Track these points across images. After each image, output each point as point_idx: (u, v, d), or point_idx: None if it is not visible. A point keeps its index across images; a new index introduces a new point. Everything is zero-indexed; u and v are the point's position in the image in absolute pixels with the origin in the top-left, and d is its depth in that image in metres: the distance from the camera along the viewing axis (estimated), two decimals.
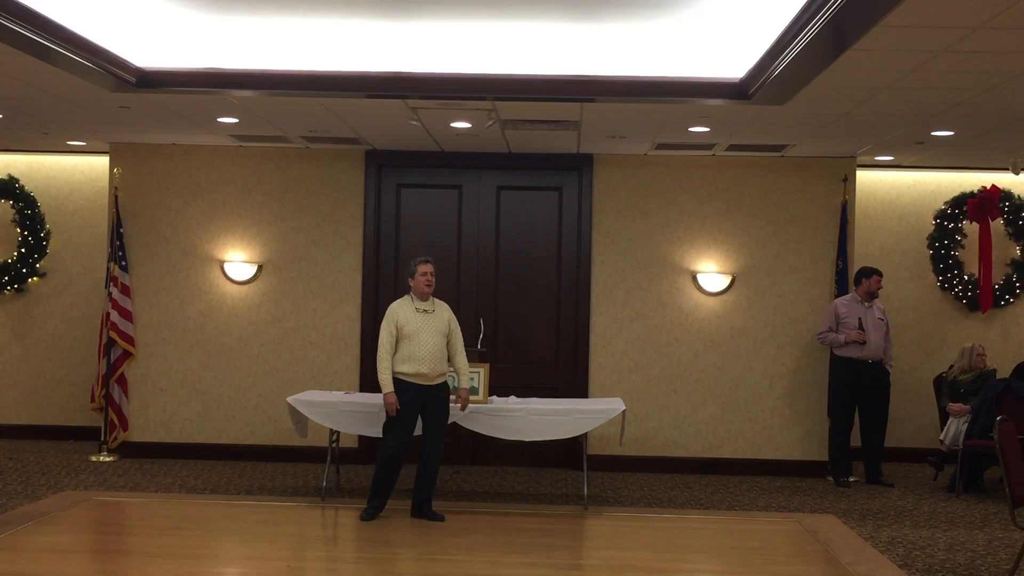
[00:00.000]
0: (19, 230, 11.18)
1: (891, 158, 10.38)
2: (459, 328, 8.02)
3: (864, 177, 10.67)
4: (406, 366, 7.68)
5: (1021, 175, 10.04)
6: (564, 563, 6.96)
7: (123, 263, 10.22)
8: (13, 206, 11.17)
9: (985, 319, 10.90)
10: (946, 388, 9.90)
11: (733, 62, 7.31)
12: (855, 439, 9.82)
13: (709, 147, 9.80)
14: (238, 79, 7.68)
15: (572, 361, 10.32)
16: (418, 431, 7.90)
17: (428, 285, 7.84)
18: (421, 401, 7.74)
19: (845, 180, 10.17)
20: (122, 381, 10.27)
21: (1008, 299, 10.88)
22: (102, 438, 10.24)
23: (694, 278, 10.27)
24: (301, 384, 10.12)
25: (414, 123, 8.85)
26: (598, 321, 10.29)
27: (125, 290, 10.21)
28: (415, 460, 7.94)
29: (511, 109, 8.29)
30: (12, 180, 11.14)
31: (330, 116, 8.70)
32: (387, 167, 10.43)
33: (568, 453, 9.83)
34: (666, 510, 8.54)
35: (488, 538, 7.40)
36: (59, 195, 11.32)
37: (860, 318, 9.62)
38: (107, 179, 10.64)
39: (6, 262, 11.15)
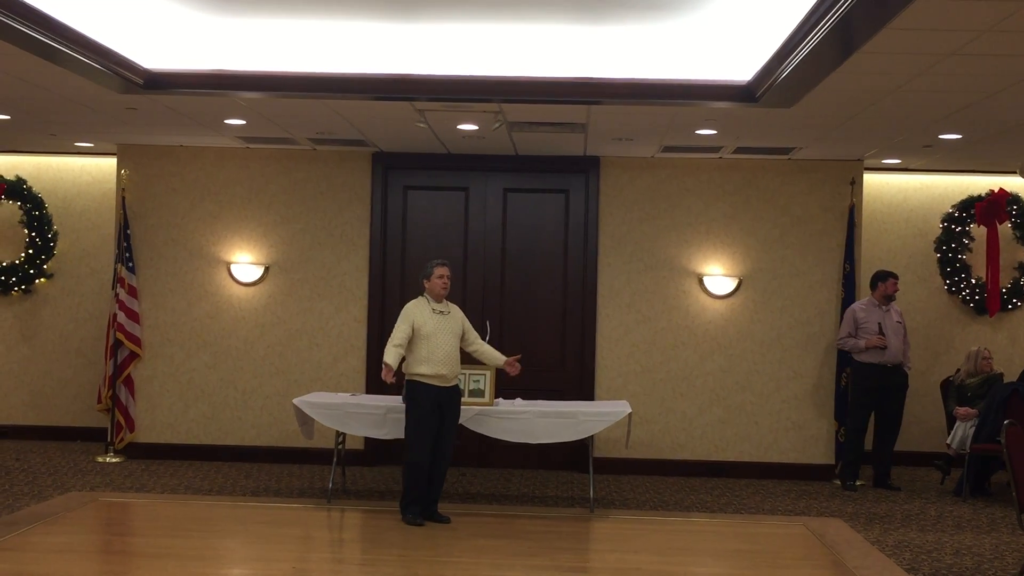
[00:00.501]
0: (27, 231, 11.20)
1: (898, 161, 10.36)
2: (469, 323, 8.07)
3: (871, 180, 10.65)
4: (425, 367, 7.68)
5: None
6: (570, 566, 6.95)
7: (130, 264, 10.24)
8: (21, 207, 11.19)
9: (992, 323, 10.87)
10: (953, 392, 9.88)
11: (740, 64, 7.30)
12: (867, 442, 9.79)
13: (716, 150, 9.79)
14: (245, 81, 7.69)
15: (578, 363, 10.32)
16: None
17: (444, 287, 7.86)
18: (440, 403, 7.75)
19: (852, 183, 10.15)
20: (129, 382, 10.29)
21: (1015, 303, 10.85)
22: (108, 439, 10.26)
23: (700, 281, 10.26)
24: (307, 386, 10.12)
25: (421, 125, 8.85)
26: (604, 324, 10.28)
27: (132, 291, 10.23)
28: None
29: (518, 111, 8.29)
30: (20, 181, 11.16)
31: (337, 118, 8.71)
32: (394, 169, 10.44)
33: (574, 456, 9.81)
34: (672, 513, 8.53)
35: (494, 540, 7.39)
36: (66, 196, 11.34)
37: (880, 323, 9.59)
38: (114, 180, 10.65)
39: (13, 263, 11.17)
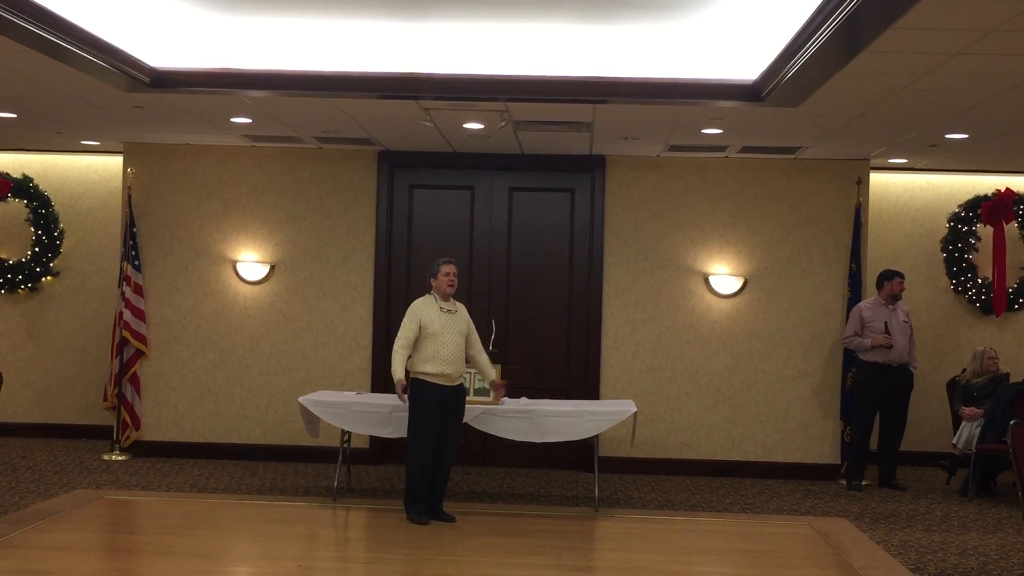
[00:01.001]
0: (33, 229, 11.22)
1: (905, 161, 10.35)
2: (474, 327, 8.06)
3: (877, 180, 10.64)
4: (430, 366, 7.68)
5: None
6: (575, 565, 6.95)
7: (136, 263, 10.26)
8: (27, 205, 11.21)
9: (999, 323, 10.85)
10: (959, 392, 9.86)
11: (746, 64, 7.29)
12: (872, 442, 9.79)
13: (722, 149, 9.78)
14: (251, 79, 7.70)
15: (584, 363, 10.32)
16: None
17: (451, 285, 7.86)
18: (444, 402, 7.75)
19: (859, 182, 10.14)
20: (135, 380, 10.30)
21: (1022, 302, 10.82)
22: (114, 437, 10.28)
23: (706, 280, 10.25)
24: (313, 384, 10.14)
25: (427, 124, 8.85)
26: (610, 323, 10.28)
27: (138, 289, 10.24)
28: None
29: (524, 110, 8.28)
30: (26, 179, 11.18)
31: (343, 117, 8.71)
32: (399, 168, 10.44)
33: (579, 455, 9.82)
34: (677, 513, 8.52)
35: (499, 539, 7.40)
36: (73, 195, 11.36)
37: (886, 322, 9.57)
38: (121, 179, 10.67)
39: (20, 261, 11.19)
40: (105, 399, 10.45)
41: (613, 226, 10.31)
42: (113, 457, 10.11)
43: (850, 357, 9.91)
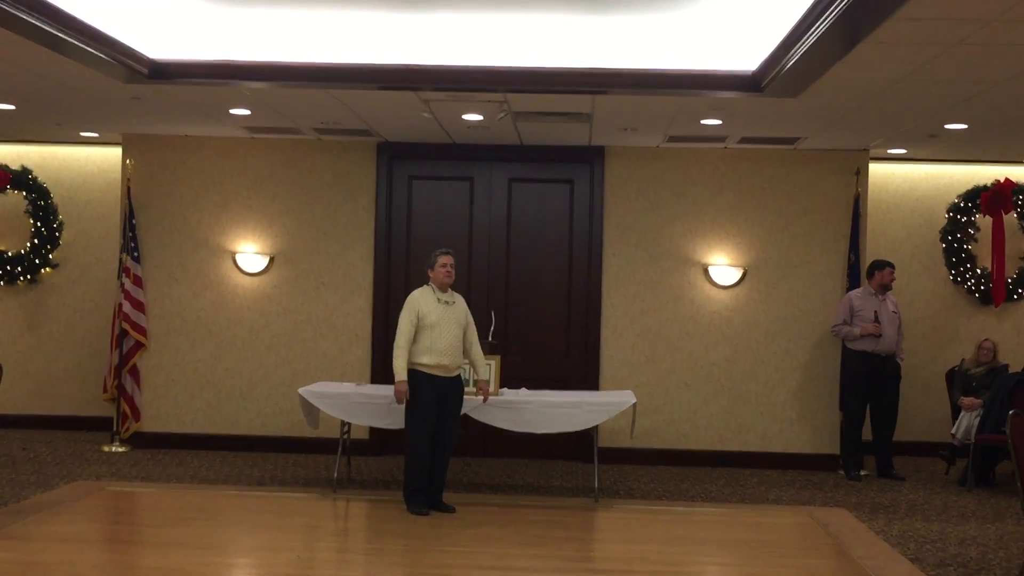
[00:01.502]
0: (32, 221, 11.22)
1: (904, 151, 10.34)
2: (473, 320, 8.05)
3: (877, 170, 10.63)
4: (427, 357, 7.68)
5: None
6: (575, 555, 6.96)
7: (135, 254, 10.25)
8: (26, 197, 11.20)
9: (998, 313, 10.86)
10: (959, 381, 9.87)
11: (746, 54, 7.29)
12: (866, 433, 9.80)
13: (721, 139, 9.77)
14: (250, 71, 7.69)
15: (583, 354, 10.32)
16: None
17: (448, 276, 7.84)
18: (442, 393, 7.75)
19: (858, 173, 10.14)
20: (134, 372, 10.31)
21: (1021, 292, 10.83)
22: (114, 428, 10.28)
23: (706, 271, 10.26)
24: (312, 375, 10.14)
25: (426, 115, 8.85)
26: (609, 314, 10.29)
27: (137, 281, 10.24)
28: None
29: (523, 101, 8.28)
30: (25, 171, 11.17)
31: (342, 108, 8.70)
32: (399, 159, 10.44)
33: (579, 446, 9.82)
34: (677, 503, 8.54)
35: (499, 530, 7.40)
36: (72, 186, 11.35)
37: (875, 311, 9.59)
38: (120, 170, 10.67)
39: (19, 253, 11.19)
40: (105, 391, 10.46)
41: (612, 217, 10.31)
42: (113, 449, 10.12)
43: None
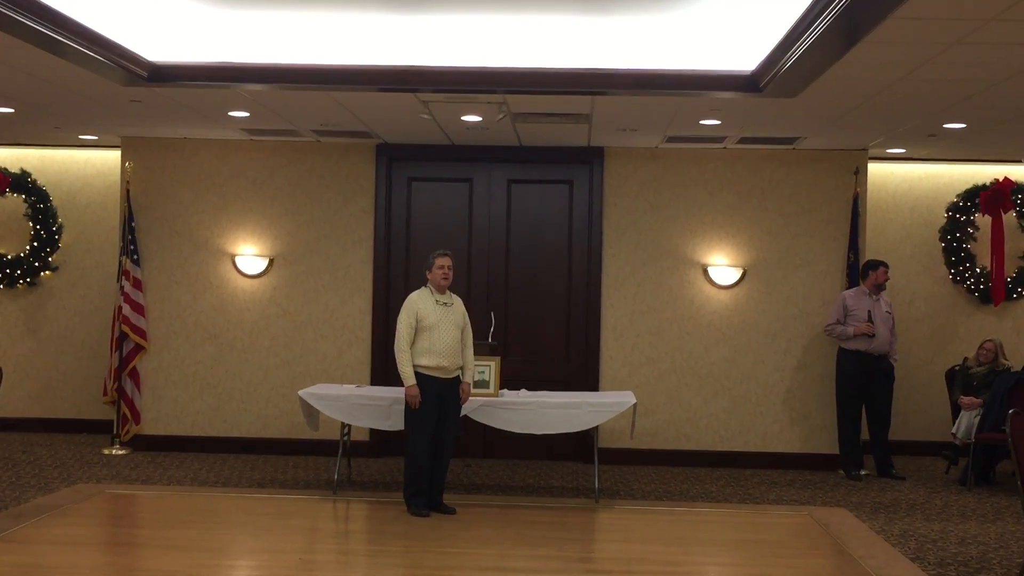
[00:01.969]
0: (31, 224, 11.21)
1: (903, 150, 10.34)
2: (470, 323, 8.05)
3: (876, 169, 10.63)
4: (426, 359, 7.68)
5: None
6: (575, 556, 6.96)
7: (135, 257, 10.25)
8: (25, 200, 11.20)
9: (997, 312, 10.85)
10: (959, 380, 9.87)
11: (744, 55, 7.29)
12: (865, 432, 9.81)
13: (720, 140, 9.78)
14: (249, 73, 7.70)
15: (583, 354, 10.32)
16: None
17: (445, 278, 7.84)
18: (441, 394, 7.75)
19: (856, 173, 10.14)
20: (134, 375, 10.31)
21: (1021, 292, 10.83)
22: (114, 431, 10.29)
23: (705, 271, 10.26)
24: (312, 377, 10.15)
25: (425, 117, 8.85)
26: (609, 314, 10.29)
27: (137, 284, 10.24)
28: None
29: (522, 102, 8.28)
30: (24, 174, 11.17)
31: (341, 110, 8.71)
32: (398, 160, 10.44)
33: (579, 446, 9.82)
34: (677, 503, 8.54)
35: (499, 531, 7.41)
36: (71, 189, 11.35)
37: (869, 311, 9.60)
38: (119, 173, 10.67)
39: (19, 256, 11.19)
40: (105, 393, 10.46)
41: (612, 218, 10.31)
42: (113, 451, 10.12)
43: None
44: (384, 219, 10.38)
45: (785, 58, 6.64)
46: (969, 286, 10.85)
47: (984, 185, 10.62)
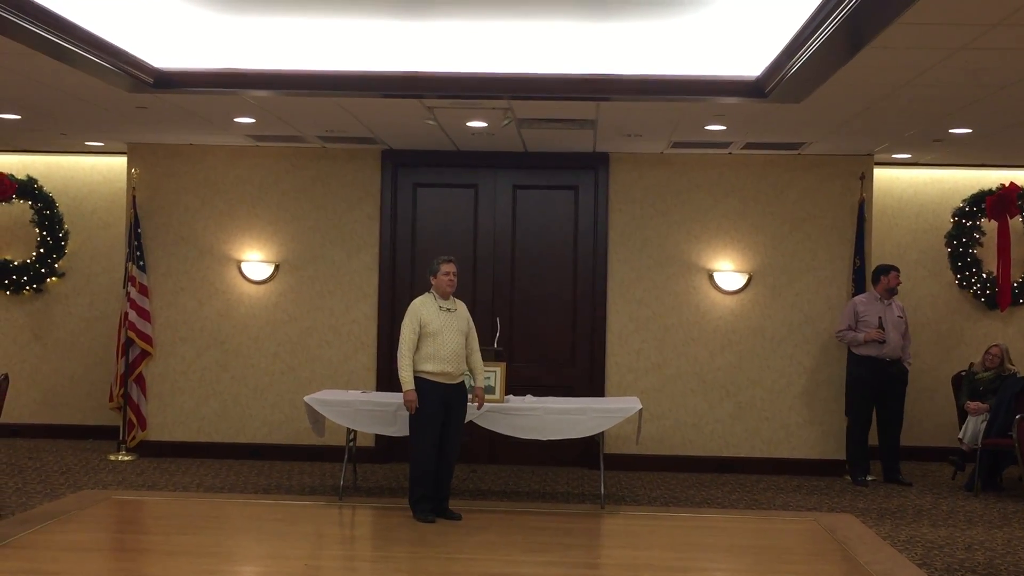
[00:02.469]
0: (38, 230, 11.24)
1: (908, 156, 10.33)
2: (474, 327, 8.05)
3: (881, 175, 10.62)
4: (430, 365, 7.69)
5: None
6: (581, 562, 6.96)
7: (141, 263, 10.27)
8: (32, 206, 11.23)
9: (1003, 318, 10.84)
10: (966, 385, 9.85)
11: (749, 60, 7.29)
12: (872, 438, 9.79)
13: (725, 145, 9.78)
14: (255, 79, 7.70)
15: (588, 360, 10.32)
16: None
17: (450, 284, 7.85)
18: (446, 400, 7.75)
19: (862, 178, 10.13)
20: (140, 380, 10.32)
21: None
22: (121, 437, 10.29)
23: (711, 277, 10.25)
24: (318, 383, 10.15)
25: (430, 122, 8.86)
26: (614, 320, 10.28)
27: (143, 290, 10.26)
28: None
29: (527, 108, 8.28)
30: (31, 180, 11.20)
31: (346, 116, 8.72)
32: (403, 166, 10.45)
33: (585, 452, 9.82)
34: (683, 509, 8.53)
35: (505, 537, 7.41)
36: (77, 195, 11.38)
37: (880, 316, 9.58)
38: (125, 179, 10.68)
39: (25, 262, 11.21)
40: (111, 399, 10.47)
41: (617, 223, 10.31)
42: (119, 457, 10.13)
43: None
44: (390, 225, 10.39)
45: (790, 63, 6.64)
46: (975, 291, 10.83)
47: (990, 190, 10.61)
